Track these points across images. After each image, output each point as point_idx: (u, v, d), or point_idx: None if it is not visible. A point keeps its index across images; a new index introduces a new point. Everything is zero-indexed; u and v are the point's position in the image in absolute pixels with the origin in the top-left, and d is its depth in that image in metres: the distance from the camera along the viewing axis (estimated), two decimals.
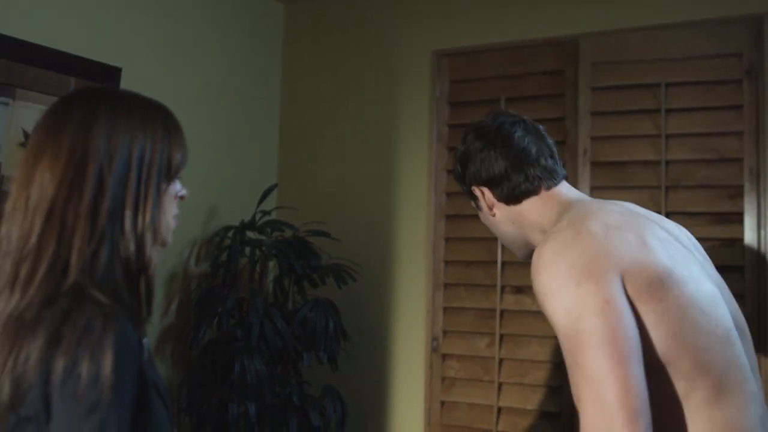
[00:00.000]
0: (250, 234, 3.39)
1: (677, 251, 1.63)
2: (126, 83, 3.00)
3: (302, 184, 3.81)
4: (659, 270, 1.55)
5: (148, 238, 1.36)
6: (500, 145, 1.87)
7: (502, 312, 3.24)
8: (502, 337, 3.23)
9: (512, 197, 1.85)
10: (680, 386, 1.52)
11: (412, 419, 3.43)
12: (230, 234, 3.33)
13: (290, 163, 3.87)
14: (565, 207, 1.79)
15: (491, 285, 3.26)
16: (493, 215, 1.90)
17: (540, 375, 3.14)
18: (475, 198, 1.93)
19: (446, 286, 3.39)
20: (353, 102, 3.72)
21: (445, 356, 3.36)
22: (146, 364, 1.31)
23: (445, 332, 3.37)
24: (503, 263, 3.25)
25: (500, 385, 3.22)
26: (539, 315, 3.18)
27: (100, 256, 1.30)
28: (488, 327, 3.25)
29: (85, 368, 1.16)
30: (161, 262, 3.20)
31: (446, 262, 3.40)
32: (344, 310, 3.37)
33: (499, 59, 3.35)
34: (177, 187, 1.46)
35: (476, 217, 3.35)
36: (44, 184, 1.31)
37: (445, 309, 3.38)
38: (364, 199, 3.65)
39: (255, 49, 3.79)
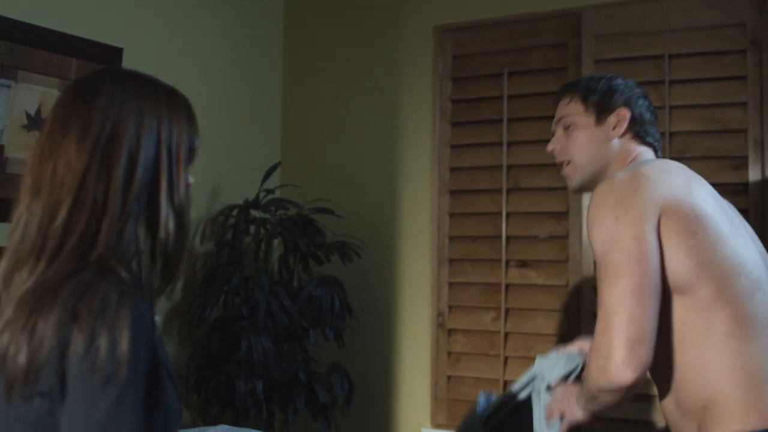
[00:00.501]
0: (255, 212, 3.39)
1: (723, 210, 1.82)
2: (127, 63, 2.99)
3: (305, 163, 3.81)
4: (697, 209, 1.72)
5: (186, 216, 1.39)
6: (639, 88, 2.08)
7: (507, 286, 3.24)
8: (507, 311, 3.24)
9: (641, 131, 2.00)
10: (703, 316, 1.67)
11: (419, 394, 3.44)
12: (234, 213, 3.34)
13: (293, 142, 3.86)
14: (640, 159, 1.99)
15: (496, 259, 3.27)
16: (609, 139, 2.00)
17: (545, 348, 3.13)
18: (603, 112, 2.01)
19: (451, 261, 3.39)
20: (356, 79, 3.71)
21: (450, 331, 3.37)
22: (157, 342, 1.31)
23: (450, 307, 3.38)
24: (508, 238, 3.25)
25: (506, 359, 3.23)
26: (544, 288, 3.19)
27: (126, 232, 1.31)
28: (494, 301, 3.26)
29: (103, 343, 1.17)
30: None
31: (450, 238, 3.40)
32: (349, 287, 3.38)
33: (502, 33, 3.34)
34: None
35: (480, 192, 3.36)
36: (71, 159, 1.31)
37: (450, 284, 3.39)
38: (368, 175, 3.64)
39: (257, 27, 3.78)
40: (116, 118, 1.33)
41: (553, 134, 2.12)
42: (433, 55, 3.47)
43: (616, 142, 1.99)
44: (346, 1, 3.76)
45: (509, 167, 3.26)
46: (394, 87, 3.59)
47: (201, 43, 3.44)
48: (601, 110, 2.01)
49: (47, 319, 1.20)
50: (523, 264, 3.23)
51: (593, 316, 3.04)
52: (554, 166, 3.14)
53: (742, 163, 2.85)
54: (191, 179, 1.45)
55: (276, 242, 3.47)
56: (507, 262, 3.25)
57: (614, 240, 1.67)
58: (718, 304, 1.66)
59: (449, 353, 3.37)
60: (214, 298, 3.14)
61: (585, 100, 2.04)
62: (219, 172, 3.49)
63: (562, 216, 3.17)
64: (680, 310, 1.69)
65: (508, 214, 3.26)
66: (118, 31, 3.02)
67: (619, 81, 2.06)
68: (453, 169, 3.42)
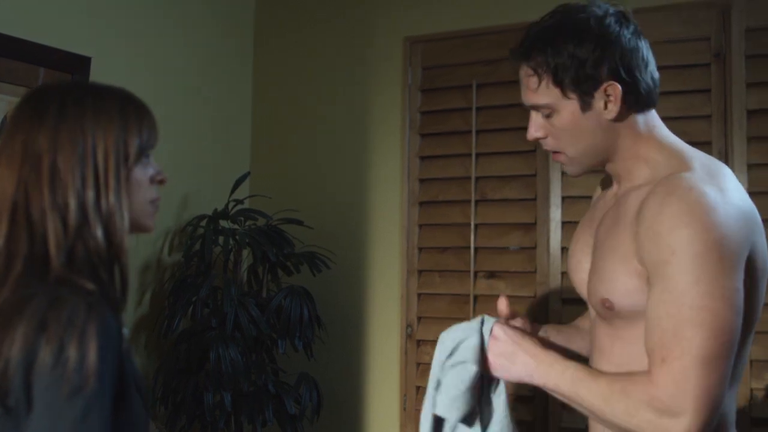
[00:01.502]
0: (224, 223, 3.38)
1: None
2: (96, 73, 2.97)
3: (275, 173, 3.80)
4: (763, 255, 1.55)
5: (117, 224, 1.35)
6: (627, 28, 1.61)
7: (476, 297, 3.25)
8: None
9: (640, 99, 1.61)
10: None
11: (388, 405, 3.44)
12: (203, 223, 3.32)
13: (263, 152, 3.86)
14: (675, 142, 1.67)
15: (465, 270, 3.28)
16: (603, 123, 1.62)
17: (513, 383, 3.15)
18: (586, 95, 1.59)
19: (420, 272, 3.40)
20: (326, 89, 3.72)
21: (419, 342, 3.38)
22: (125, 354, 1.31)
23: (419, 318, 3.38)
24: (476, 249, 3.26)
25: None
26: (512, 300, 3.18)
27: (78, 248, 1.30)
28: (462, 312, 3.27)
29: (72, 353, 1.17)
30: (135, 251, 3.19)
31: (420, 249, 3.41)
32: (319, 297, 3.37)
33: (471, 45, 3.35)
34: (150, 171, 1.45)
35: (449, 203, 3.37)
36: (4, 184, 1.32)
37: (420, 295, 3.39)
38: (338, 186, 3.65)
39: (227, 36, 3.77)
40: (36, 135, 1.33)
41: (528, 112, 1.72)
42: (403, 66, 3.48)
43: (614, 123, 1.62)
44: (316, 12, 3.76)
45: (478, 178, 3.28)
46: (364, 98, 3.60)
47: (170, 53, 3.43)
48: (585, 92, 1.58)
49: (14, 331, 1.20)
50: (492, 275, 3.24)
51: None
52: (523, 178, 3.20)
53: None
54: (162, 175, 1.45)
55: (245, 253, 3.46)
56: (475, 273, 3.26)
57: (716, 286, 1.42)
58: (742, 352, 1.56)
59: (418, 364, 3.37)
60: (182, 308, 3.12)
61: (559, 82, 1.59)
62: (188, 182, 3.48)
63: (530, 227, 3.19)
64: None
65: (476, 226, 3.27)
66: (87, 41, 3.00)
67: (591, 32, 1.57)
68: (422, 180, 3.43)
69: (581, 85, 1.58)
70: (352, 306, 3.55)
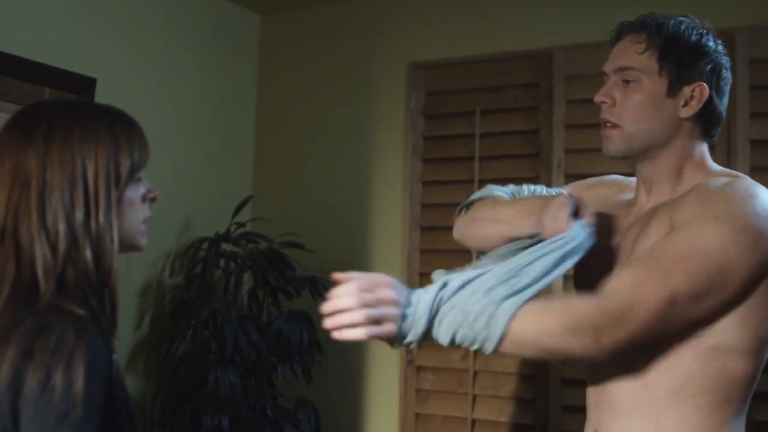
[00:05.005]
0: (225, 246, 3.37)
1: None
2: (101, 94, 2.99)
3: (277, 196, 3.80)
4: None
5: (107, 245, 1.34)
6: (723, 52, 1.68)
7: None
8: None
9: (709, 120, 1.64)
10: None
11: (387, 431, 3.42)
12: (205, 246, 3.32)
13: (265, 175, 3.86)
14: (719, 171, 1.68)
15: None
16: (675, 116, 1.62)
17: (514, 387, 3.15)
18: (679, 82, 1.60)
19: None
20: (329, 113, 3.72)
21: (419, 368, 3.36)
22: (115, 379, 1.30)
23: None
24: None
25: (474, 397, 3.22)
26: None
27: (68, 273, 1.29)
28: None
29: (59, 381, 1.16)
30: (135, 273, 3.19)
31: (421, 274, 3.40)
32: (319, 322, 3.33)
33: (475, 71, 3.36)
34: (142, 190, 1.42)
35: (450, 228, 3.35)
36: None
37: None
38: (340, 210, 3.64)
39: (231, 59, 3.78)
40: (24, 158, 1.31)
41: (604, 79, 1.71)
42: (406, 91, 3.49)
43: (682, 122, 1.62)
44: (320, 37, 3.78)
45: None
46: (367, 122, 3.60)
47: (174, 75, 3.44)
48: (679, 78, 1.59)
49: (2, 358, 1.19)
50: None
51: None
52: None
53: None
54: (154, 193, 1.43)
55: (246, 276, 3.45)
56: None
57: (733, 250, 1.44)
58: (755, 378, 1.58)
59: (418, 390, 3.35)
60: (182, 331, 3.11)
61: (663, 57, 1.59)
62: (190, 204, 3.48)
63: None
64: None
65: (478, 253, 3.26)
66: (92, 62, 3.01)
67: (711, 40, 1.65)
68: (424, 205, 3.43)
69: (679, 70, 1.59)
70: None
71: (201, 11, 3.59)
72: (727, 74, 1.65)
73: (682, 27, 1.63)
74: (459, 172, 3.35)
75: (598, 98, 1.67)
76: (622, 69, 1.64)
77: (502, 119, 3.28)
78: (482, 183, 3.26)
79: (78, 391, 1.17)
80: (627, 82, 1.63)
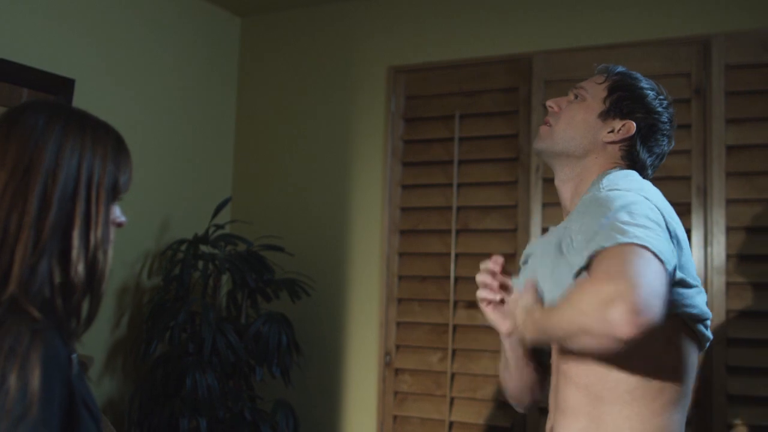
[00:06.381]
0: (204, 248, 3.37)
1: None
2: (79, 95, 2.98)
3: (257, 198, 3.80)
4: None
5: (100, 256, 1.34)
6: (669, 120, 1.86)
7: (455, 327, 3.25)
8: (454, 352, 3.25)
9: (634, 155, 1.83)
10: None
11: None
12: (183, 247, 3.31)
13: (245, 177, 3.86)
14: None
15: (444, 300, 3.28)
16: (599, 137, 1.81)
17: (491, 390, 3.16)
18: (612, 112, 1.82)
19: (399, 300, 3.40)
20: (308, 117, 3.73)
21: (397, 371, 3.37)
22: (75, 380, 1.29)
23: (398, 347, 3.38)
24: (456, 278, 3.27)
25: (452, 399, 3.23)
26: (491, 330, 3.19)
27: (39, 269, 1.28)
28: (441, 342, 3.27)
29: (13, 383, 1.15)
30: (113, 274, 3.18)
31: (400, 277, 3.41)
32: (297, 324, 3.36)
33: (455, 75, 3.38)
34: (116, 213, 1.42)
35: (430, 232, 3.38)
36: None
37: (398, 324, 3.39)
38: (319, 213, 3.65)
39: (211, 62, 3.78)
40: (33, 150, 1.30)
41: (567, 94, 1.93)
42: (386, 94, 3.50)
43: (601, 145, 1.81)
44: (300, 40, 3.78)
45: (459, 208, 3.29)
46: (347, 125, 3.61)
47: (154, 77, 3.43)
48: (615, 110, 1.82)
49: None
50: (471, 305, 3.24)
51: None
52: (504, 209, 3.21)
53: (685, 210, 2.90)
54: (121, 218, 1.42)
55: (224, 278, 3.45)
56: (455, 302, 3.26)
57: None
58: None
59: (396, 393, 3.36)
60: (160, 333, 3.10)
61: (611, 91, 1.84)
62: (169, 205, 3.47)
63: (510, 258, 3.19)
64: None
65: (456, 255, 3.28)
66: (70, 63, 3.00)
67: (657, 102, 1.85)
68: (404, 209, 3.44)
69: (618, 105, 1.82)
70: (331, 333, 3.54)
71: (181, 13, 3.58)
72: (662, 140, 1.85)
73: (641, 81, 1.88)
74: (438, 175, 3.36)
75: (548, 103, 1.92)
76: (578, 87, 1.90)
77: (482, 123, 3.30)
78: (461, 186, 3.30)
79: (34, 392, 1.16)
80: (576, 98, 1.89)
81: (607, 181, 1.74)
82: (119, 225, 1.43)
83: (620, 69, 1.91)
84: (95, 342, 3.12)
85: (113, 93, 3.19)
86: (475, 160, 3.30)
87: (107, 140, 1.38)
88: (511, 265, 3.18)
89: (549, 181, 3.12)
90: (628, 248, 1.44)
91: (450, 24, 3.41)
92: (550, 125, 1.87)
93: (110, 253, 1.40)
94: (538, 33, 3.22)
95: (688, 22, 2.99)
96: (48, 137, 1.32)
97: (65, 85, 2.95)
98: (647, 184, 1.76)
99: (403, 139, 3.46)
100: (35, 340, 1.19)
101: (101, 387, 3.16)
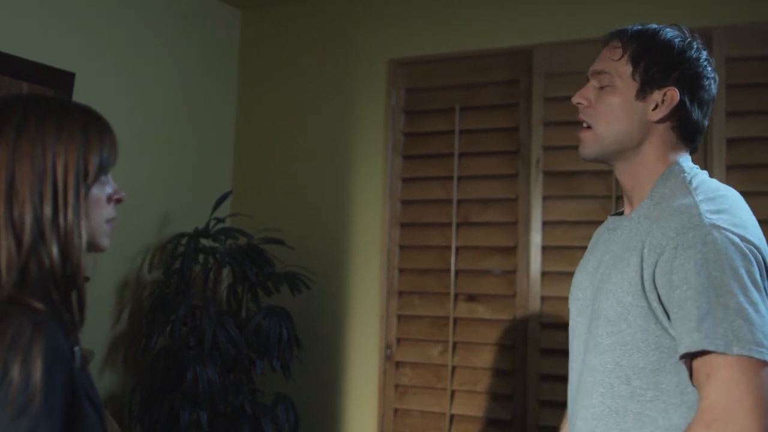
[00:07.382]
0: (204, 241, 3.37)
1: None
2: (79, 89, 2.97)
3: (257, 192, 3.80)
4: None
5: (75, 242, 1.33)
6: (706, 59, 1.69)
7: (455, 320, 3.26)
8: (455, 344, 3.25)
9: (683, 125, 1.67)
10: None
11: (365, 427, 3.43)
12: (184, 241, 3.31)
13: (245, 171, 3.86)
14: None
15: (445, 293, 3.28)
16: (645, 119, 1.66)
17: (491, 383, 3.16)
18: (649, 86, 1.65)
19: (400, 293, 3.40)
20: (309, 110, 3.72)
21: (398, 364, 3.37)
22: (78, 372, 1.29)
23: (398, 340, 3.38)
24: (457, 271, 3.27)
25: (453, 392, 3.24)
26: (491, 323, 3.20)
27: (31, 266, 1.28)
28: (441, 335, 3.27)
29: (16, 374, 1.15)
30: (113, 268, 3.18)
31: (400, 270, 3.41)
32: (298, 317, 3.36)
33: (455, 69, 3.38)
34: (108, 190, 1.41)
35: (431, 225, 3.38)
36: None
37: (399, 317, 3.39)
38: (319, 206, 3.65)
39: (211, 55, 3.78)
40: None
41: (587, 81, 1.76)
42: (387, 88, 3.50)
43: (652, 126, 1.66)
44: (301, 33, 3.78)
45: (459, 201, 3.29)
46: (348, 118, 3.61)
47: (154, 70, 3.43)
48: (649, 82, 1.64)
49: None
50: (471, 298, 3.25)
51: (539, 350, 3.07)
52: (504, 202, 3.21)
53: None
54: (120, 194, 1.41)
55: (225, 272, 3.45)
56: (455, 295, 3.26)
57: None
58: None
59: (396, 386, 3.37)
60: (160, 326, 3.10)
61: (635, 62, 1.66)
62: (169, 199, 3.47)
63: (510, 251, 3.20)
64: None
65: (457, 248, 3.28)
66: (71, 57, 3.00)
67: (692, 48, 1.67)
68: (404, 202, 3.44)
69: (649, 74, 1.64)
70: (332, 326, 3.54)
71: (181, 6, 3.58)
72: (707, 84, 1.67)
73: (660, 35, 1.67)
74: (439, 168, 3.36)
75: (575, 100, 1.73)
76: (599, 73, 1.71)
77: (482, 116, 3.29)
78: (462, 179, 3.29)
79: (36, 384, 1.16)
80: (602, 87, 1.70)
81: (701, 194, 1.57)
82: (118, 201, 1.42)
83: (633, 30, 1.71)
84: (96, 336, 3.12)
85: (113, 86, 3.18)
86: (475, 152, 3.29)
87: (73, 124, 1.36)
88: (510, 259, 3.19)
89: (549, 174, 3.12)
90: (745, 365, 1.37)
91: (450, 16, 3.40)
92: (590, 127, 1.70)
93: (105, 231, 1.41)
94: (539, 25, 3.22)
95: (689, 14, 2.98)
96: (7, 134, 1.31)
97: (65, 79, 2.95)
98: (737, 205, 1.58)
99: (403, 132, 3.46)
100: (37, 332, 1.20)
101: (102, 380, 3.17)
